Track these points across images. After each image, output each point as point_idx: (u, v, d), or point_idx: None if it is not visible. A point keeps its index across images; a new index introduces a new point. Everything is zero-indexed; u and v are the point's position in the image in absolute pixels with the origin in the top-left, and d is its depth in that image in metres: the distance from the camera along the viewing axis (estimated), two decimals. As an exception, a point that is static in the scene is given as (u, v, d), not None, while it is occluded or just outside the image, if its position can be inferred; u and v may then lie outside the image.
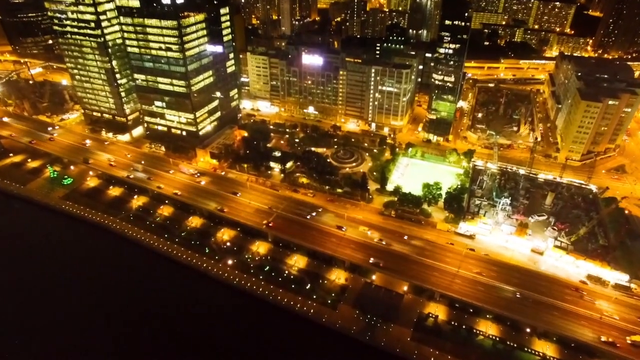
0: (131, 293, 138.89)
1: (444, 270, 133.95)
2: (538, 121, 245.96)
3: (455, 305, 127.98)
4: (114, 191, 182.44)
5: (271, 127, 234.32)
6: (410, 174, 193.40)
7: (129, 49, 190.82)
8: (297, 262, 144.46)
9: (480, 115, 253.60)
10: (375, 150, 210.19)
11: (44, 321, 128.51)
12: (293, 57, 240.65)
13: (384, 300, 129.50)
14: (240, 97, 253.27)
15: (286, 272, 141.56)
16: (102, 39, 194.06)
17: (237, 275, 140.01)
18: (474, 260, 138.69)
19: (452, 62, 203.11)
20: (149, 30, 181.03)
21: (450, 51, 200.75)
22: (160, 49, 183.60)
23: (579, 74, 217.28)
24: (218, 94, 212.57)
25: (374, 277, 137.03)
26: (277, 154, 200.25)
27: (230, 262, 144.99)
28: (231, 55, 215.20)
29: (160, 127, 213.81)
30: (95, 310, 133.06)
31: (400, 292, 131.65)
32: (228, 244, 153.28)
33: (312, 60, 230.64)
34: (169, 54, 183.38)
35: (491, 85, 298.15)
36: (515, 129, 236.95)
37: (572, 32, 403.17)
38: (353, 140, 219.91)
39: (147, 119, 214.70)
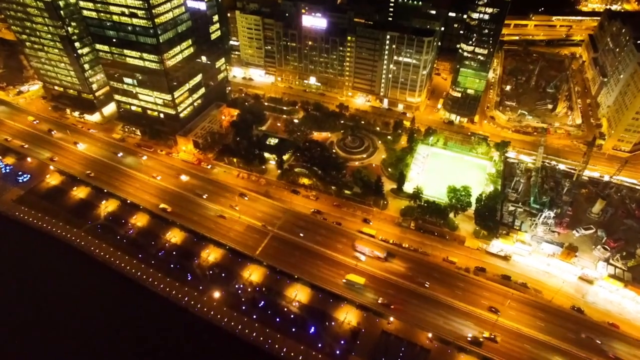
0: (98, 325, 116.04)
1: (479, 318, 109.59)
2: (576, 96, 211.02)
3: None
4: (79, 192, 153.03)
5: (266, 103, 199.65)
6: (431, 168, 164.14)
7: (85, 13, 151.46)
8: (297, 295, 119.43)
9: (508, 87, 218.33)
10: (389, 137, 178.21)
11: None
12: (291, 17, 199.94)
13: (406, 355, 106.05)
14: (229, 63, 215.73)
15: (285, 309, 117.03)
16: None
17: (225, 314, 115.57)
18: (515, 303, 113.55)
19: (486, 31, 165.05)
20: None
21: (486, 17, 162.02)
22: (123, 14, 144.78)
23: (639, 42, 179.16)
24: (203, 58, 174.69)
25: (391, 318, 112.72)
26: (273, 141, 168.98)
27: (217, 294, 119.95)
28: (215, 18, 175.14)
29: (134, 107, 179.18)
30: (53, 343, 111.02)
31: (425, 345, 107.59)
32: (215, 268, 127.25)
33: (313, 21, 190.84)
34: (135, 21, 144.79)
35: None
36: (550, 106, 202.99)
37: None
38: (363, 122, 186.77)
39: (117, 97, 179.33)
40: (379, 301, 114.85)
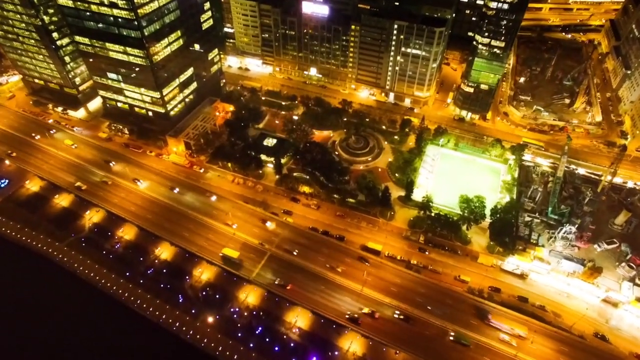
0: (79, 352, 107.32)
1: (496, 353, 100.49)
2: (596, 90, 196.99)
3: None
4: (62, 199, 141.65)
5: (263, 98, 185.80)
6: (441, 171, 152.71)
7: (60, 1, 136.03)
8: (298, 320, 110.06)
9: (522, 80, 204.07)
10: (396, 137, 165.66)
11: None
12: (290, 3, 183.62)
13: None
14: (224, 52, 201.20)
15: (284, 336, 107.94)
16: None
17: (219, 341, 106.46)
18: (536, 335, 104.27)
19: (504, 22, 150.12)
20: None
21: (506, 6, 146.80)
22: (102, 4, 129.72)
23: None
24: (196, 46, 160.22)
25: (398, 351, 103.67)
26: (271, 142, 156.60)
27: (210, 319, 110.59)
28: (207, 5, 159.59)
29: (120, 104, 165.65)
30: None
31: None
32: (208, 289, 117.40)
33: (314, 8, 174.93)
34: (115, 11, 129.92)
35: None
36: (567, 101, 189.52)
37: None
38: (367, 119, 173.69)
39: (102, 93, 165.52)
40: (276, 282, 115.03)
